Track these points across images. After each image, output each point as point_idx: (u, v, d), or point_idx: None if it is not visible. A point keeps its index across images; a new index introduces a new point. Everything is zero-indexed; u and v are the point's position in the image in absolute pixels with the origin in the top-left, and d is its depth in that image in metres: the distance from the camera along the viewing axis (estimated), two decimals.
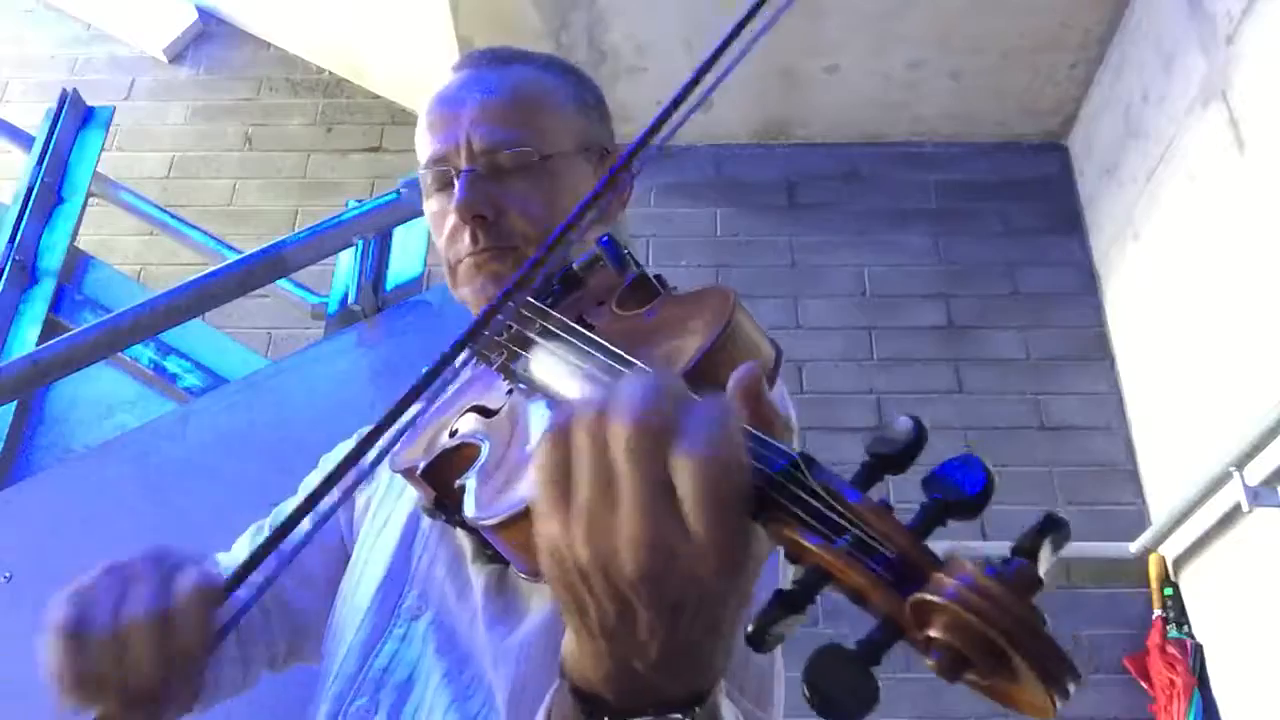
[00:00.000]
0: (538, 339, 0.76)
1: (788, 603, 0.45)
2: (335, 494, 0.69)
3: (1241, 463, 2.38)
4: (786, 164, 3.63)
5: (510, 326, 0.79)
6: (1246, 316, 2.52)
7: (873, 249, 3.45)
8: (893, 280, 3.39)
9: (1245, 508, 2.37)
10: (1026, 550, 0.43)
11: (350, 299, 2.08)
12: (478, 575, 0.86)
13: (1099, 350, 3.25)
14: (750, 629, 0.45)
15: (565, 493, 0.49)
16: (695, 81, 0.68)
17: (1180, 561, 2.81)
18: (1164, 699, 2.62)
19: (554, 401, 0.70)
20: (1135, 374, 3.12)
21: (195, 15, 4.08)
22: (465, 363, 0.93)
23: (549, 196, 0.95)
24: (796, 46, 3.36)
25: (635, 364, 0.63)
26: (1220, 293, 2.64)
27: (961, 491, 0.44)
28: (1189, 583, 2.78)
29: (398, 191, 2.10)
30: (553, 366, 0.72)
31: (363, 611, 0.91)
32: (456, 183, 0.94)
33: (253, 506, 1.11)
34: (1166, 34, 2.94)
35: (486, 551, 0.84)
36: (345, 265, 2.19)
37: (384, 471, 1.03)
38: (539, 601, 0.82)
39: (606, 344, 0.68)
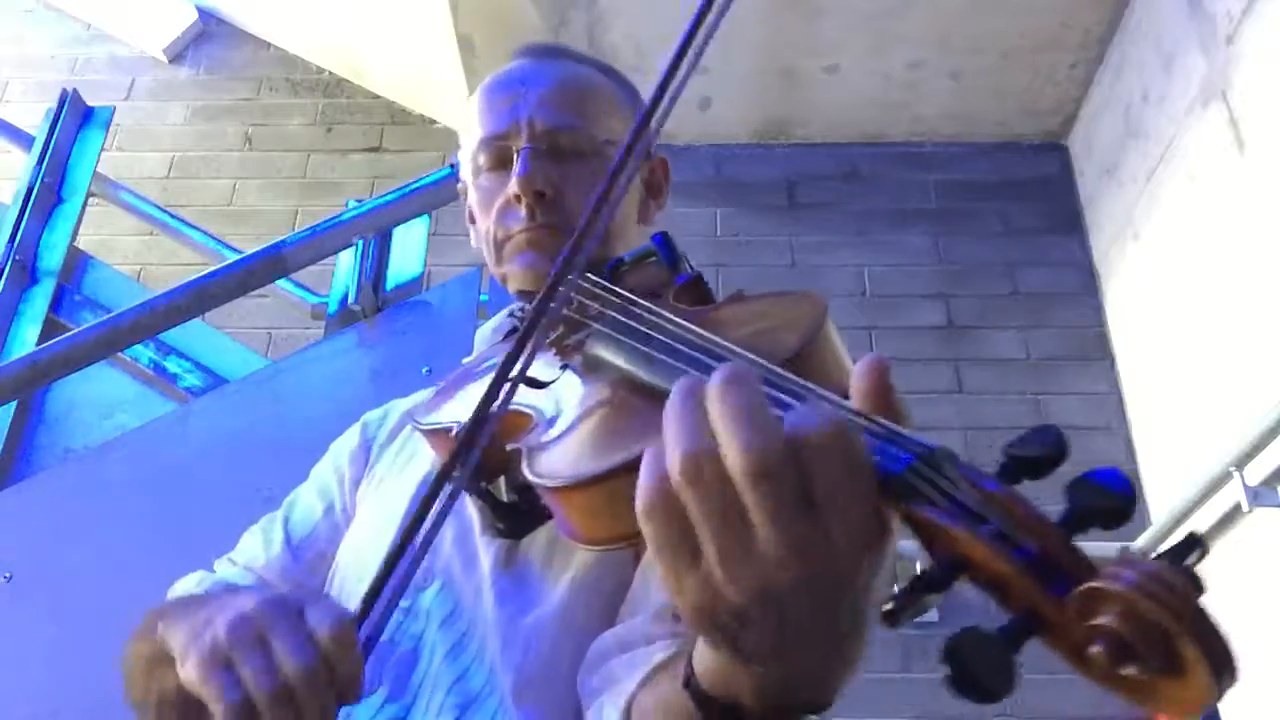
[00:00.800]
0: (606, 313, 0.77)
1: (927, 584, 0.45)
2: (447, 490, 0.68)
3: (1241, 463, 2.38)
4: (786, 164, 3.63)
5: (572, 302, 0.80)
6: (1246, 316, 2.52)
7: (873, 249, 3.45)
8: (893, 280, 3.39)
9: (1245, 508, 2.37)
10: (1175, 560, 0.44)
11: (350, 299, 2.08)
12: (486, 548, 0.86)
13: (1099, 350, 3.25)
14: (889, 607, 0.45)
15: (689, 547, 0.48)
16: (673, 70, 0.69)
17: None
18: None
19: (615, 379, 0.70)
20: (1135, 374, 3.12)
21: (195, 15, 4.08)
22: (509, 333, 0.94)
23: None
24: (796, 46, 3.36)
25: (723, 344, 0.62)
26: (1220, 293, 2.64)
27: (1112, 498, 0.45)
28: None
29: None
30: (617, 345, 0.72)
31: (368, 581, 0.91)
32: (516, 159, 0.95)
33: (253, 506, 1.11)
34: (1166, 34, 2.94)
35: (498, 525, 0.84)
36: (345, 265, 2.19)
37: (392, 447, 1.04)
38: (553, 581, 0.82)
39: (685, 324, 0.68)
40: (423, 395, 1.09)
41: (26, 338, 2.12)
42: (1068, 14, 3.23)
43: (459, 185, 1.08)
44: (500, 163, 0.98)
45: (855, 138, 3.62)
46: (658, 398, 0.60)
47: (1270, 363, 2.41)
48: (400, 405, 1.10)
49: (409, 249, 2.18)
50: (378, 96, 3.92)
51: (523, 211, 0.95)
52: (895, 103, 3.52)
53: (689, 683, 0.56)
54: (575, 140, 0.97)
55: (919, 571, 0.45)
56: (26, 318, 2.17)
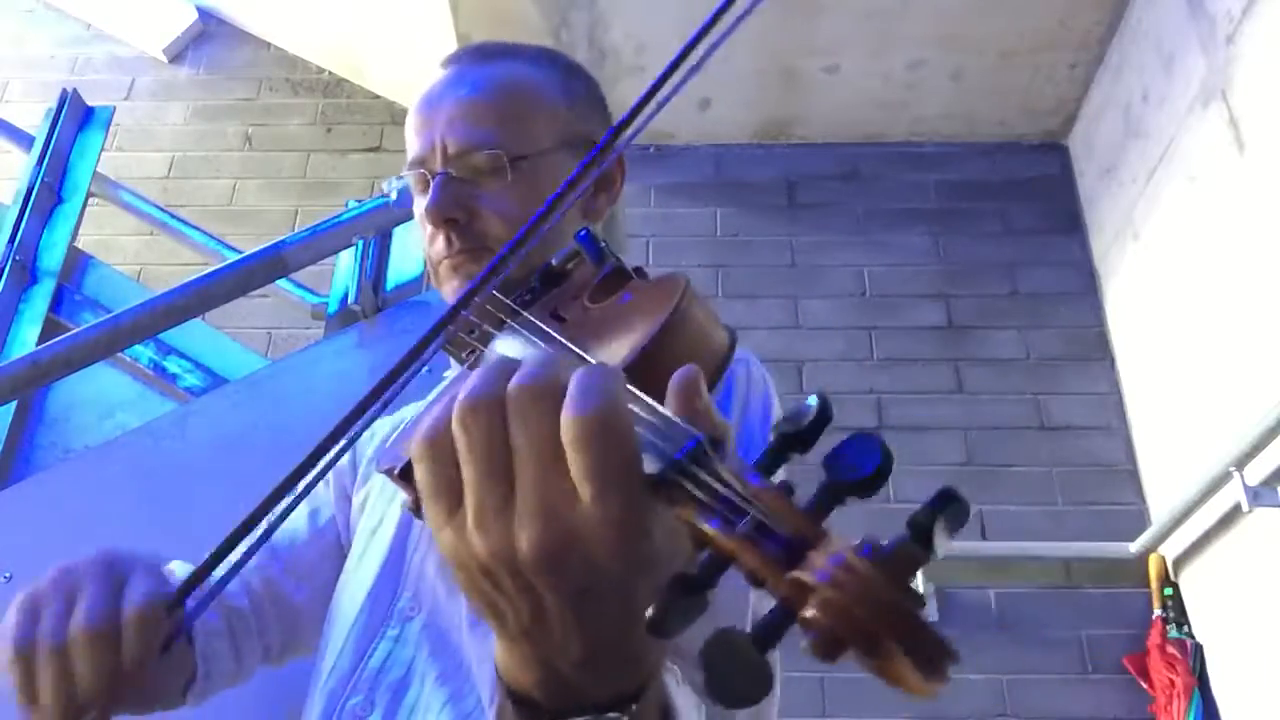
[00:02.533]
0: (499, 336, 0.76)
1: (685, 586, 0.44)
2: (287, 500, 0.68)
3: (1241, 463, 2.38)
4: (786, 164, 3.63)
5: (479, 324, 0.79)
6: (1246, 316, 2.52)
7: (873, 249, 3.45)
8: (893, 280, 3.39)
9: (1245, 508, 2.36)
10: (919, 526, 0.42)
11: (350, 299, 2.08)
12: None
13: (1099, 350, 3.25)
14: (650, 614, 0.43)
15: (452, 496, 0.48)
16: (666, 76, 0.68)
17: (1180, 561, 2.81)
18: (1164, 699, 2.62)
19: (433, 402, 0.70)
20: (1135, 374, 3.12)
21: (195, 15, 4.08)
22: (430, 362, 0.93)
23: (524, 197, 0.94)
24: (796, 46, 3.36)
25: (579, 354, 0.62)
26: (1220, 293, 2.64)
27: (856, 470, 0.43)
28: (1189, 583, 2.78)
29: (385, 197, 2.11)
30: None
31: (357, 610, 0.91)
32: (431, 184, 0.94)
33: (252, 506, 1.10)
34: (1166, 34, 2.94)
35: None
36: (345, 265, 2.19)
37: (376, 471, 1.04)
38: None
39: (558, 337, 0.67)
40: (408, 411, 1.09)
41: (26, 338, 2.12)
42: (1068, 14, 3.23)
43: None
44: (424, 187, 0.96)
45: (855, 138, 3.62)
46: None
47: (1270, 363, 2.41)
48: (386, 422, 1.09)
49: (409, 249, 2.18)
50: (378, 96, 3.92)
51: (441, 239, 0.94)
52: (895, 103, 3.52)
53: (497, 674, 0.55)
54: (490, 158, 0.94)
55: (680, 573, 0.44)
56: (26, 318, 2.17)
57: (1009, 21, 3.25)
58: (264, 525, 0.69)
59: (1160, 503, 2.87)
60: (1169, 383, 2.91)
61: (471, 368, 0.79)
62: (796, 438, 0.46)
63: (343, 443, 0.66)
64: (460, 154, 0.94)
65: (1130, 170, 3.15)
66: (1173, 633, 2.69)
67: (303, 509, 1.04)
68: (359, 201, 2.24)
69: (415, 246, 2.19)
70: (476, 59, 1.01)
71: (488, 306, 0.80)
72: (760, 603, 0.80)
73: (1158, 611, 2.76)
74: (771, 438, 0.46)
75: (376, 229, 2.14)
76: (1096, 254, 3.38)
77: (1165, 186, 2.94)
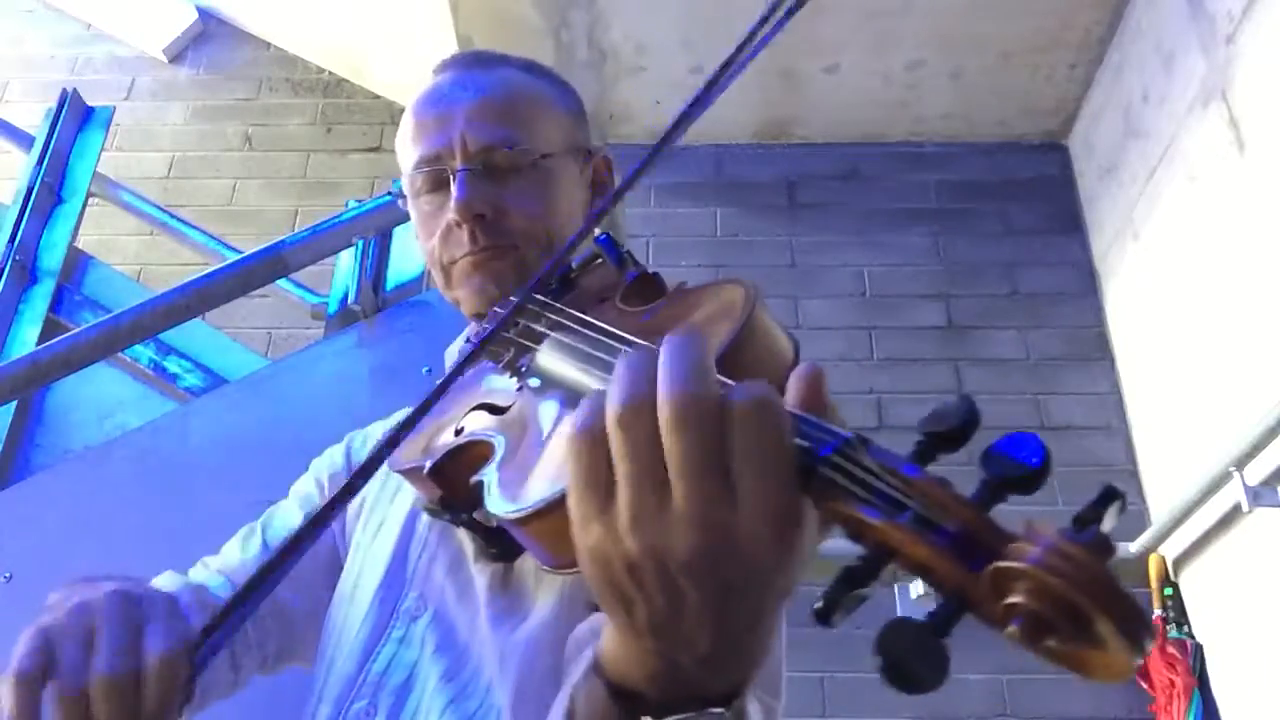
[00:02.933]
0: (548, 333, 0.76)
1: (853, 578, 0.45)
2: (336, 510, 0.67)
3: (1241, 463, 2.38)
4: (786, 164, 3.63)
5: (517, 323, 0.79)
6: (1246, 316, 2.52)
7: (873, 249, 3.45)
8: (893, 280, 3.39)
9: (1245, 508, 2.36)
10: (1089, 520, 0.44)
11: (350, 299, 2.08)
12: (480, 574, 0.86)
13: (1099, 350, 3.25)
14: (819, 605, 0.45)
15: (605, 491, 0.48)
16: (708, 91, 0.68)
17: (1180, 561, 2.81)
18: (1164, 699, 2.62)
19: (568, 394, 0.70)
20: (1135, 374, 3.12)
21: (195, 15, 4.08)
22: (424, 362, 0.94)
23: (545, 195, 0.95)
24: (796, 46, 3.36)
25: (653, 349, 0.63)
26: (1220, 293, 2.64)
27: (1021, 465, 0.45)
28: (1189, 583, 2.78)
29: (391, 196, 2.10)
30: (566, 360, 0.72)
31: (361, 613, 0.91)
32: (453, 182, 0.93)
33: (253, 506, 1.11)
34: (1166, 34, 2.94)
35: (490, 550, 0.84)
36: (345, 265, 2.19)
37: (377, 474, 1.03)
38: (543, 598, 0.82)
39: (622, 334, 0.68)
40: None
41: (26, 338, 2.12)
42: (1068, 14, 3.23)
43: (400, 203, 1.06)
44: (437, 185, 0.96)
45: (855, 138, 3.62)
46: None
47: (1270, 363, 2.41)
48: (382, 427, 1.09)
49: (409, 249, 2.18)
50: (378, 96, 3.92)
51: (465, 236, 0.93)
52: (895, 103, 3.52)
53: (597, 668, 0.55)
54: (511, 156, 0.94)
55: (846, 566, 0.45)
56: (26, 318, 2.17)
57: (1009, 21, 3.25)
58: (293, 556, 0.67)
59: (1160, 503, 2.87)
60: (1169, 383, 2.91)
61: (507, 366, 0.79)
62: (946, 437, 0.47)
63: (379, 453, 0.66)
64: (481, 151, 0.94)
65: (1130, 170, 3.15)
66: (1173, 633, 2.69)
67: (299, 517, 1.04)
68: (359, 201, 2.24)
69: (415, 247, 2.19)
70: (477, 64, 1.02)
71: (529, 306, 0.80)
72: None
73: (1158, 611, 2.76)
74: (920, 436, 0.47)
75: (376, 229, 2.14)
76: (1096, 254, 3.38)
77: (1165, 186, 2.94)
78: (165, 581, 1.01)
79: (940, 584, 0.45)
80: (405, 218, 2.16)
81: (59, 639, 0.65)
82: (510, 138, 0.94)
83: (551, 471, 0.65)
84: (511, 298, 0.70)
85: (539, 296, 0.80)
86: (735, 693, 0.52)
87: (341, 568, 1.00)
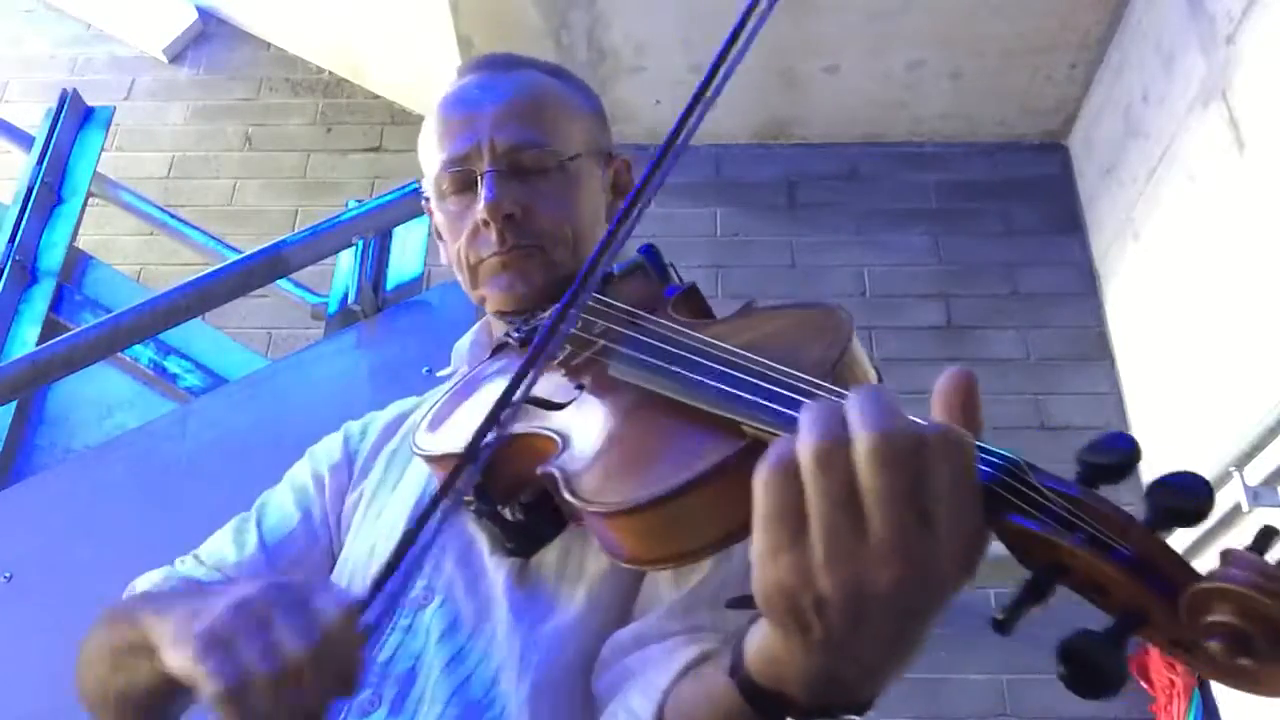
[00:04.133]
0: (616, 329, 0.78)
1: (1034, 591, 0.48)
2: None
3: (1241, 463, 2.38)
4: (786, 164, 3.63)
5: (577, 321, 0.81)
6: (1246, 316, 2.52)
7: (873, 249, 3.45)
8: (893, 280, 3.39)
9: (1245, 508, 2.36)
10: (1261, 552, 0.46)
11: (350, 299, 2.09)
12: (497, 568, 0.86)
13: (1099, 350, 3.25)
14: (1000, 616, 0.48)
15: (797, 529, 0.50)
16: (706, 85, 0.69)
17: None
18: (1164, 699, 2.62)
19: (643, 394, 0.71)
20: (1135, 374, 3.12)
21: (195, 15, 4.08)
22: (495, 350, 0.95)
23: (571, 196, 0.96)
24: (796, 46, 3.36)
25: (766, 363, 0.64)
26: (1220, 293, 2.64)
27: (1195, 499, 0.48)
28: None
29: (415, 184, 2.09)
30: (646, 364, 0.73)
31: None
32: (481, 183, 0.94)
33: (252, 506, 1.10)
34: (1166, 34, 2.94)
35: (507, 544, 0.85)
36: (345, 265, 2.19)
37: (378, 463, 1.03)
38: (568, 593, 0.83)
39: (709, 340, 0.69)
40: (400, 407, 1.09)
41: (26, 338, 2.12)
42: (1068, 14, 3.23)
43: (424, 203, 1.06)
44: (464, 186, 0.97)
45: (855, 138, 3.62)
46: (694, 415, 0.63)
47: (1270, 363, 2.41)
48: (380, 418, 1.09)
49: (409, 249, 2.18)
50: (378, 96, 3.91)
51: (493, 236, 0.94)
52: (895, 103, 3.52)
53: (736, 671, 0.57)
54: (539, 157, 0.96)
55: (1026, 580, 0.48)
56: (26, 318, 2.17)
57: (1009, 21, 3.25)
58: (428, 536, 0.67)
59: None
60: (1169, 383, 2.91)
61: (566, 367, 0.80)
62: (1110, 470, 0.50)
63: (477, 455, 0.67)
64: (509, 152, 0.95)
65: (1130, 170, 3.15)
66: None
67: (295, 511, 1.03)
68: (359, 201, 2.24)
69: (415, 246, 2.19)
70: (501, 67, 1.03)
71: (595, 307, 0.83)
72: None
73: None
74: (1082, 463, 0.51)
75: (376, 229, 2.15)
76: (1096, 254, 3.38)
77: (1165, 186, 2.94)
78: (160, 576, 1.00)
79: (1113, 603, 0.48)
80: (405, 218, 2.17)
81: (232, 635, 0.64)
82: (536, 139, 0.96)
83: (645, 470, 0.66)
84: (563, 296, 0.70)
85: (599, 296, 0.82)
86: (875, 699, 0.55)
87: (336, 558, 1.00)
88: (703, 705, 0.60)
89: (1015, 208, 3.50)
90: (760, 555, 0.51)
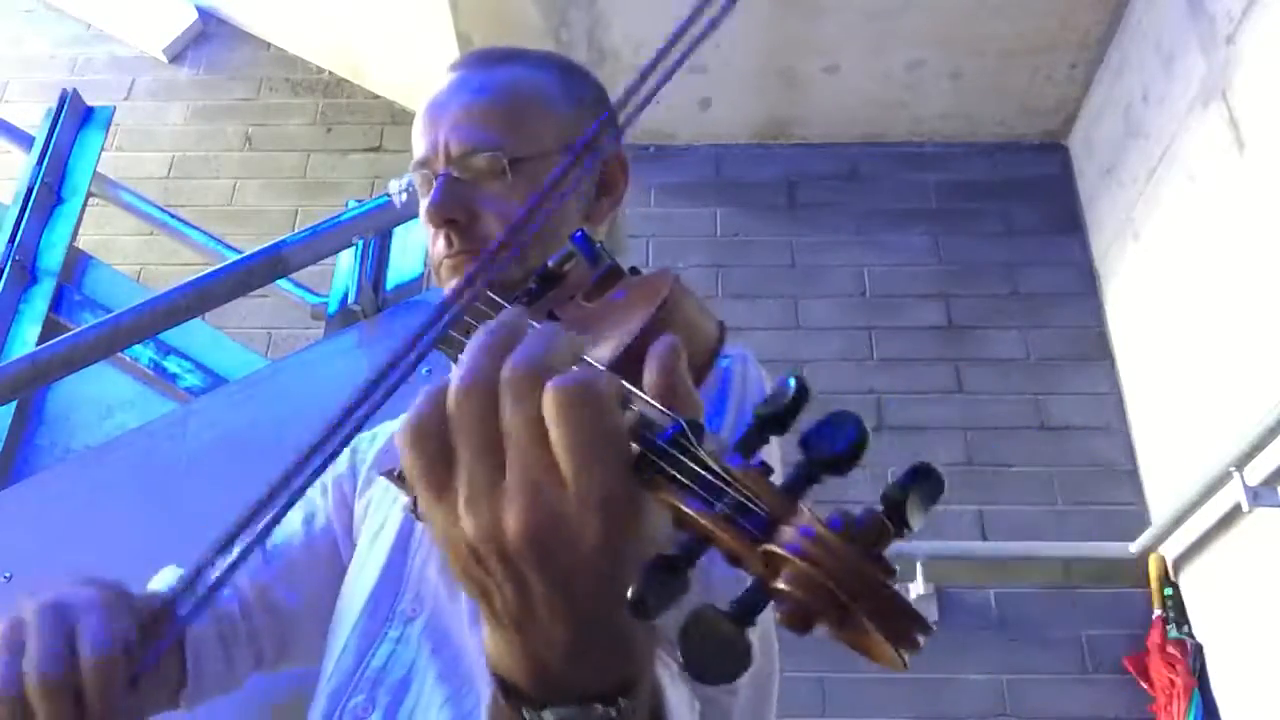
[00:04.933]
0: None
1: (665, 567, 0.44)
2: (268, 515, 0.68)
3: (1241, 463, 2.38)
4: (786, 164, 3.63)
5: (472, 325, 0.80)
6: (1246, 316, 2.52)
7: (873, 249, 3.45)
8: (893, 280, 3.39)
9: (1245, 508, 2.37)
10: (892, 501, 0.42)
11: (350, 299, 2.08)
12: None
13: (1099, 350, 3.25)
14: (630, 594, 0.44)
15: (443, 475, 0.49)
16: (644, 78, 0.68)
17: (1180, 561, 2.81)
18: (1164, 699, 2.62)
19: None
20: (1135, 374, 3.12)
21: (195, 15, 4.08)
22: (424, 362, 0.94)
23: (524, 199, 0.94)
24: (796, 46, 3.36)
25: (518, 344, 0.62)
26: (1220, 293, 2.64)
27: (830, 449, 0.44)
28: (1189, 583, 2.78)
29: (386, 196, 2.10)
30: None
31: (359, 611, 0.91)
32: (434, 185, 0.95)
33: (242, 510, 1.10)
34: (1166, 34, 2.94)
35: None
36: (345, 265, 2.19)
37: (380, 478, 1.04)
38: None
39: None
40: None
41: (26, 338, 2.12)
42: (1068, 14, 3.23)
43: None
44: (428, 188, 0.97)
45: (855, 138, 3.62)
46: None
47: (1270, 363, 2.41)
48: (388, 427, 1.09)
49: (409, 249, 2.18)
50: (378, 96, 3.92)
51: (442, 239, 0.95)
52: (895, 103, 3.52)
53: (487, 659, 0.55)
54: (491, 160, 0.94)
55: (659, 554, 0.45)
56: (26, 318, 2.17)
57: (1009, 21, 3.25)
58: (254, 529, 0.68)
59: (1160, 503, 2.87)
60: (1169, 383, 2.91)
61: None
62: (774, 419, 0.46)
63: (332, 447, 0.65)
64: (462, 155, 0.95)
65: (1130, 170, 3.15)
66: (1173, 633, 2.69)
67: (297, 515, 1.04)
68: (359, 201, 2.24)
69: (415, 246, 2.19)
70: (482, 64, 1.02)
71: (482, 307, 0.80)
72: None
73: (1158, 611, 2.76)
74: (751, 419, 0.47)
75: (376, 229, 2.14)
76: (1096, 254, 3.38)
77: (1165, 186, 2.94)
78: (168, 575, 1.01)
79: (750, 571, 0.44)
80: (405, 218, 2.17)
81: None
82: (490, 142, 0.94)
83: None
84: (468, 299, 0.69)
85: (493, 297, 0.80)
86: (622, 689, 0.51)
87: (344, 568, 1.00)
88: (492, 705, 0.57)
89: (1015, 208, 3.50)
90: (425, 509, 0.50)
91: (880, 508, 0.42)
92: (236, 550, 0.67)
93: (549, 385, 0.46)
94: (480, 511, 0.47)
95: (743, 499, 0.44)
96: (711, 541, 0.45)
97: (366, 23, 3.71)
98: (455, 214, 0.93)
